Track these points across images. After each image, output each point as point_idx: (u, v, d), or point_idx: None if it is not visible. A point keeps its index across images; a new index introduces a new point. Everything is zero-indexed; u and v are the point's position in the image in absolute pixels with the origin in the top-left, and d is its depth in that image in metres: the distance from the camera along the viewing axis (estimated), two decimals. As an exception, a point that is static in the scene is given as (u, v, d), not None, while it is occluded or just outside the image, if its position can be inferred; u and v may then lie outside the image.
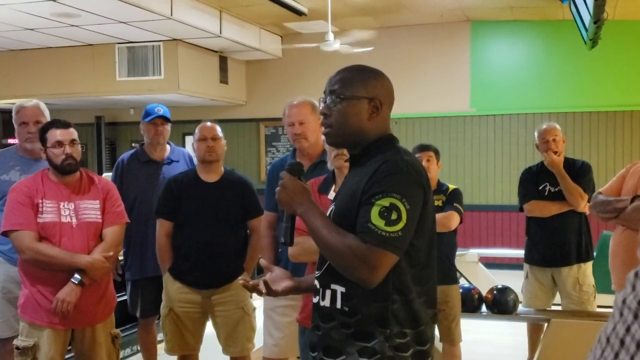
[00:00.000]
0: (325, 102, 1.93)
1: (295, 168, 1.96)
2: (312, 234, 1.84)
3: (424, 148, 3.90)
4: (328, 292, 1.87)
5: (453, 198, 3.83)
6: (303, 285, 2.12)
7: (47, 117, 3.78)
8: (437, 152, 3.95)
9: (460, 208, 3.79)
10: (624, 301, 0.89)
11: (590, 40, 6.58)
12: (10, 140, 8.31)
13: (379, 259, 1.71)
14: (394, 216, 1.72)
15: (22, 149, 3.79)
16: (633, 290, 0.88)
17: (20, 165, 3.71)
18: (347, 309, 1.82)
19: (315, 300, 1.93)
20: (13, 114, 3.82)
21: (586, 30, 6.41)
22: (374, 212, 1.72)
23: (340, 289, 1.83)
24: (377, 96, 1.90)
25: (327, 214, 1.92)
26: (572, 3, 6.57)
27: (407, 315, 1.80)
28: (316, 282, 1.93)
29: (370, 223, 1.72)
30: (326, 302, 1.87)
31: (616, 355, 0.87)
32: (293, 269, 3.19)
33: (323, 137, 2.11)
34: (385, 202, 1.73)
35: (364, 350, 1.78)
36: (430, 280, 1.89)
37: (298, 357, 3.05)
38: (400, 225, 1.72)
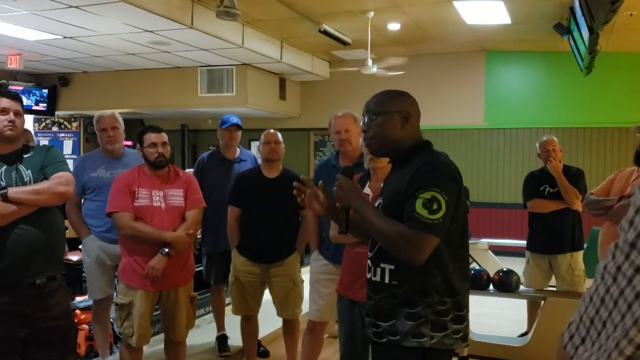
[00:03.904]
0: (365, 121, 1.94)
1: (347, 171, 1.95)
2: (366, 223, 1.83)
3: None
4: (378, 270, 1.86)
5: None
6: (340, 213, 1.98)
7: (122, 123, 3.77)
8: None
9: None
10: (605, 267, 0.88)
11: (586, 68, 6.44)
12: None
13: (424, 241, 1.70)
14: (435, 206, 1.70)
15: (105, 150, 3.76)
16: (613, 258, 0.87)
17: (105, 164, 3.70)
18: (395, 282, 1.81)
19: (368, 276, 1.92)
20: (94, 122, 3.78)
21: (582, 60, 6.27)
22: (418, 203, 1.71)
23: (389, 267, 1.82)
24: (405, 109, 1.90)
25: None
26: (571, 37, 6.42)
27: (446, 287, 1.78)
28: (368, 262, 1.92)
29: (416, 212, 1.71)
30: (377, 278, 1.86)
31: (597, 311, 0.87)
32: (334, 250, 3.22)
33: (361, 143, 2.11)
34: (427, 195, 1.71)
35: (410, 315, 1.78)
36: (464, 258, 1.87)
37: (336, 321, 3.05)
38: (441, 213, 1.71)
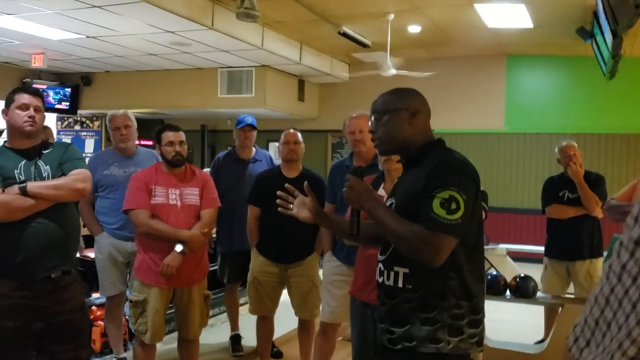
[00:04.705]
0: (372, 122, 1.91)
1: (358, 171, 1.91)
2: (380, 224, 1.78)
3: None
4: (392, 274, 1.81)
5: None
6: (333, 219, 2.12)
7: (134, 122, 3.81)
8: None
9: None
10: (610, 266, 0.86)
11: (609, 72, 6.33)
12: (144, 142, 8.54)
13: (442, 242, 1.66)
14: (453, 206, 1.66)
15: (117, 148, 3.79)
16: (618, 257, 0.84)
17: (117, 162, 3.74)
18: (410, 286, 1.76)
19: (380, 280, 1.87)
20: (107, 121, 3.82)
21: (605, 64, 6.17)
22: (436, 203, 1.66)
23: (403, 270, 1.78)
24: (412, 105, 1.87)
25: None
26: (594, 41, 6.33)
27: (462, 289, 1.74)
28: (380, 265, 1.88)
29: (433, 212, 1.66)
30: (390, 282, 1.81)
31: (602, 312, 0.85)
32: (348, 251, 3.21)
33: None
34: (445, 194, 1.66)
35: (426, 320, 1.73)
36: (480, 260, 1.83)
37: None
38: (460, 213, 1.66)
